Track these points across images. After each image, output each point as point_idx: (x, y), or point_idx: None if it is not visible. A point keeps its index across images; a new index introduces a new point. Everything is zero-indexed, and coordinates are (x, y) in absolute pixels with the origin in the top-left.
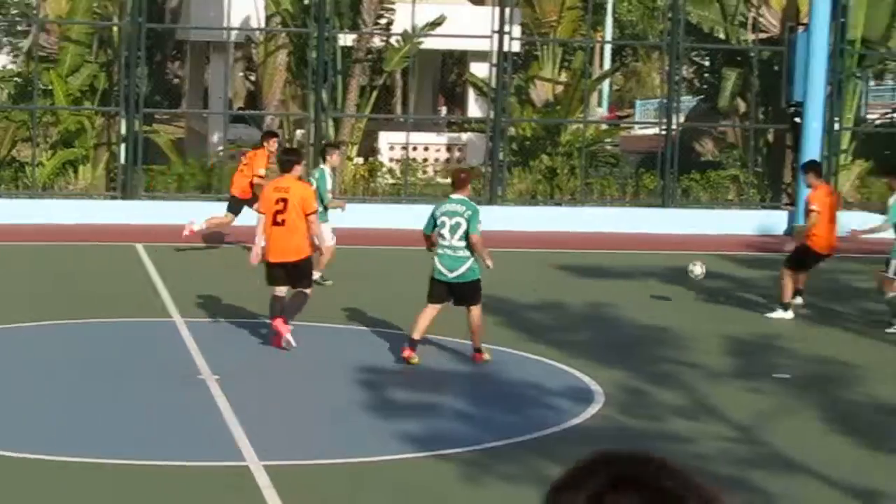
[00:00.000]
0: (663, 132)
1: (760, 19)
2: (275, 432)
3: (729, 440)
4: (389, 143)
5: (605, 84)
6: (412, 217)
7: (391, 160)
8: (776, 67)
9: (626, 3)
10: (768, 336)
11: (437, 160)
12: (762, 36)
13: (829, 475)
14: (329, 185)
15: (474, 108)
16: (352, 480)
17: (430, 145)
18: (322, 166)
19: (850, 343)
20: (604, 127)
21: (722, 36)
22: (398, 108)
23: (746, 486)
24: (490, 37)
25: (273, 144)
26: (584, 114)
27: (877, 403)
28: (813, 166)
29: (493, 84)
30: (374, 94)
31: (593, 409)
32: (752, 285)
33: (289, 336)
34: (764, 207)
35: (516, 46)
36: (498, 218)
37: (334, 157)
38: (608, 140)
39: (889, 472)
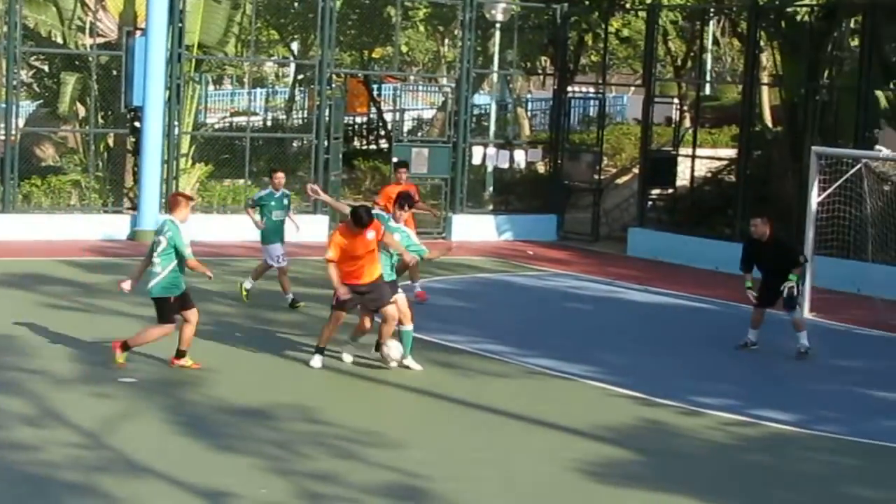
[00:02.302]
0: (2, 137)
1: (98, 24)
2: None
3: (76, 446)
4: None
5: None
6: None
7: None
8: (115, 72)
9: None
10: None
11: None
12: (100, 40)
13: (176, 477)
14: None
15: None
16: None
17: None
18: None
19: (193, 344)
20: None
21: (60, 40)
22: None
23: (95, 492)
24: None
25: (403, 175)
26: None
27: (219, 404)
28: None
29: None
30: None
31: None
32: (96, 290)
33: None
34: (106, 212)
35: None
36: None
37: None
38: None
39: (234, 471)
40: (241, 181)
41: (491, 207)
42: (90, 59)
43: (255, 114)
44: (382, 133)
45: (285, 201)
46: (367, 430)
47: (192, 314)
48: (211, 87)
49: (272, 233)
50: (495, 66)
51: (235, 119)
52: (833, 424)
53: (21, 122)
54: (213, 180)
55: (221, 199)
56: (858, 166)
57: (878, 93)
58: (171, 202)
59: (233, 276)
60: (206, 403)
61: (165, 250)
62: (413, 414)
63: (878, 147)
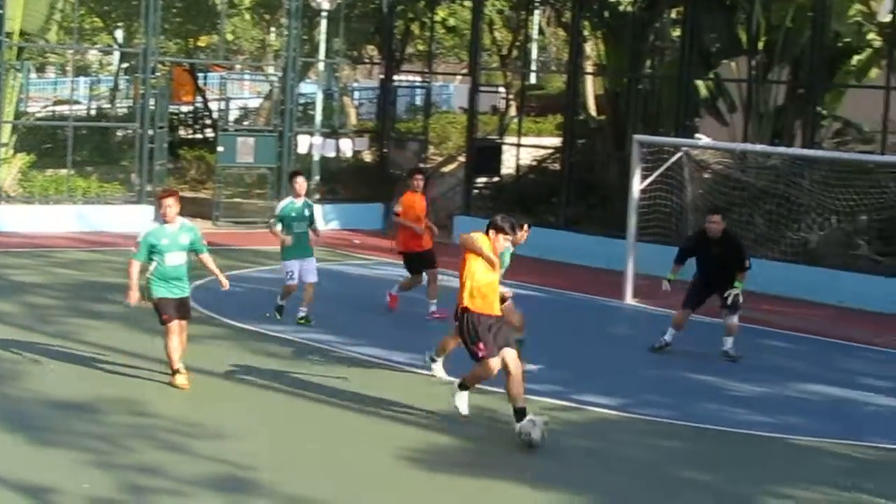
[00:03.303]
0: None
1: None
2: None
3: None
4: None
5: None
6: None
7: None
8: None
9: None
10: None
11: None
12: None
13: None
14: None
15: None
16: None
17: None
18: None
19: (12, 339)
20: None
21: None
22: None
23: None
24: None
25: (419, 182)
26: None
27: (39, 397)
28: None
29: None
30: None
31: None
32: None
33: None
34: None
35: None
36: None
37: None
38: None
39: (56, 466)
40: (64, 171)
41: (317, 196)
42: None
43: (79, 102)
44: (208, 122)
45: (307, 212)
46: (192, 422)
47: (181, 326)
48: (33, 75)
49: (291, 247)
50: (321, 55)
51: (58, 108)
52: (657, 408)
53: None
54: (34, 170)
55: (43, 189)
56: (679, 154)
57: (699, 82)
58: None
59: (54, 268)
60: (25, 397)
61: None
62: (239, 405)
63: (698, 135)
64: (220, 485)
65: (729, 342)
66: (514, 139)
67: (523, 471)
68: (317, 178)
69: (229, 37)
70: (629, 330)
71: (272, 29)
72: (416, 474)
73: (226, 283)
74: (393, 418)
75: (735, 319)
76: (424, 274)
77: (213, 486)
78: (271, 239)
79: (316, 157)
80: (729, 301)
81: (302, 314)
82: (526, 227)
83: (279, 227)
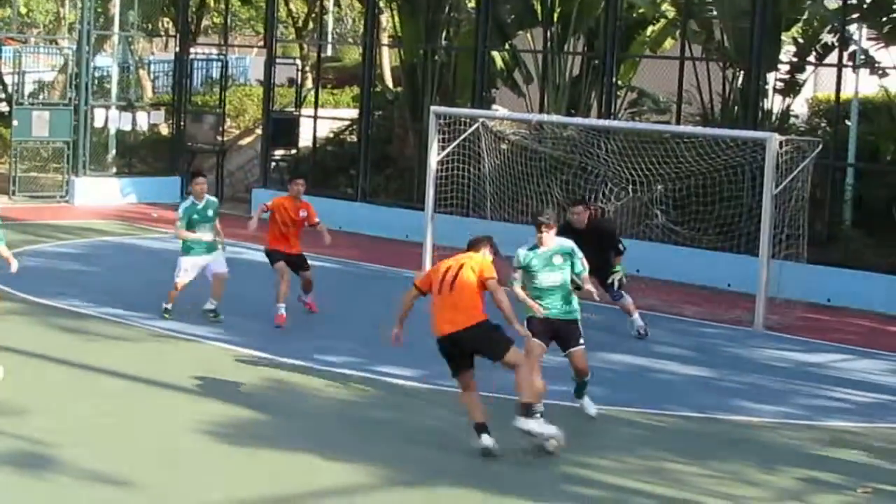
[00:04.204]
0: None
1: None
2: None
3: None
4: None
5: None
6: None
7: None
8: None
9: None
10: None
11: None
12: None
13: None
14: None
15: None
16: None
17: None
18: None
19: None
20: None
21: None
22: None
23: None
24: None
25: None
26: None
27: None
28: None
29: None
30: None
31: None
32: None
33: None
34: None
35: None
36: None
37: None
38: None
39: None
40: None
41: (114, 170)
42: None
43: None
44: (2, 96)
45: (210, 212)
46: None
47: None
48: None
49: (195, 245)
50: (116, 28)
51: None
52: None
53: None
54: None
55: None
56: (476, 125)
57: (495, 53)
58: None
59: None
60: None
61: None
62: (36, 380)
63: (494, 106)
64: (17, 461)
65: (638, 320)
66: (310, 111)
67: (324, 443)
68: (113, 152)
69: (23, 10)
70: (425, 301)
71: (66, 2)
72: (217, 448)
73: (14, 266)
74: (192, 392)
75: (627, 299)
76: (299, 275)
77: (10, 463)
78: (67, 212)
79: (112, 131)
80: (615, 286)
81: (211, 307)
82: (545, 227)
83: (184, 229)
